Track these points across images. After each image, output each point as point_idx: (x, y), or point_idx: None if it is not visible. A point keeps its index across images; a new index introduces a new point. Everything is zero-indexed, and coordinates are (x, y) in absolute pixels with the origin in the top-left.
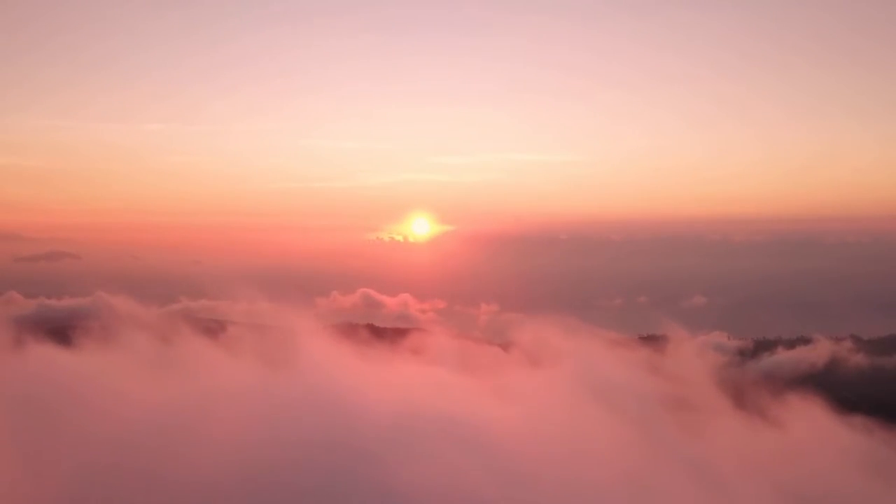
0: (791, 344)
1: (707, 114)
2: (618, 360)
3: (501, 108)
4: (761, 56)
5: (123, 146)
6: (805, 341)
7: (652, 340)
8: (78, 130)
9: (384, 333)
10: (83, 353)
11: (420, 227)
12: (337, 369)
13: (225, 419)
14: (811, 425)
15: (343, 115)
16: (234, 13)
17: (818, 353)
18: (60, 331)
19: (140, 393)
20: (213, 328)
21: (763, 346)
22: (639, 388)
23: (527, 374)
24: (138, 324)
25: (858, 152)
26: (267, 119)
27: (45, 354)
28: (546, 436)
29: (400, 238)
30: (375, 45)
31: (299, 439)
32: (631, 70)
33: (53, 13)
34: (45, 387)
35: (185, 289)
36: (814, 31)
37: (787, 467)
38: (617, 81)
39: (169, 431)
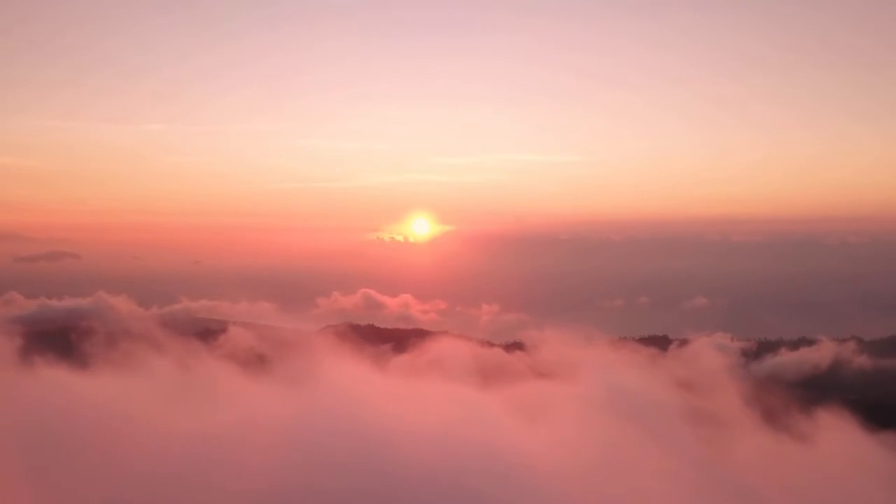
0: (795, 345)
1: (708, 114)
2: (638, 370)
3: (502, 109)
4: (762, 57)
5: (124, 146)
6: (809, 342)
7: (654, 341)
8: (78, 131)
9: (386, 334)
10: (97, 376)
11: (420, 228)
12: (361, 389)
13: (252, 446)
14: (839, 440)
15: (343, 115)
16: (235, 14)
17: (822, 354)
18: (61, 332)
19: (162, 420)
20: (214, 329)
21: (766, 348)
22: (662, 401)
23: (548, 387)
24: (158, 349)
25: (859, 153)
26: (267, 119)
27: (58, 377)
28: (575, 455)
29: (400, 238)
30: (375, 45)
31: (331, 465)
32: (631, 71)
33: (54, 13)
34: (62, 414)
35: (186, 289)
36: (814, 32)
37: (813, 483)
38: (617, 82)
39: (195, 461)
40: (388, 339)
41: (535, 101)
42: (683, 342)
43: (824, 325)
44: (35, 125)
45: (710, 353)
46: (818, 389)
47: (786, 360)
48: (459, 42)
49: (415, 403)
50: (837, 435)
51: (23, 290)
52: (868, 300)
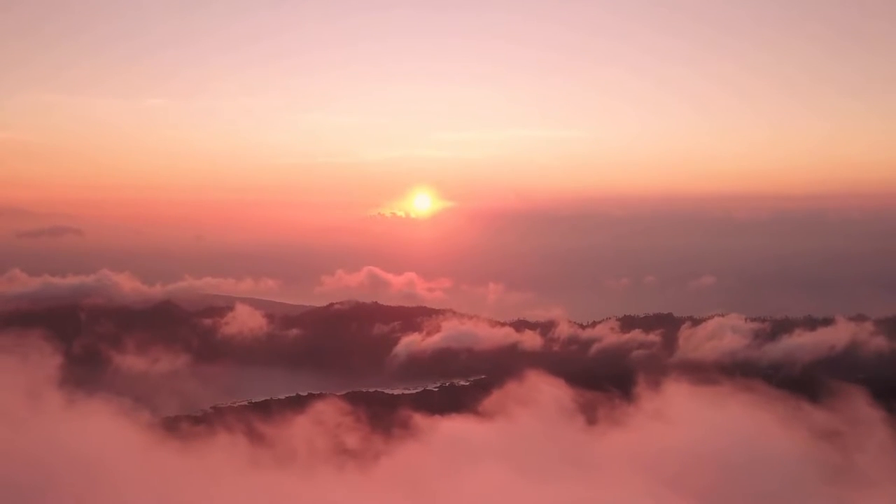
0: (811, 325)
1: (711, 91)
2: (762, 414)
3: (504, 84)
4: (766, 36)
5: (125, 122)
6: (825, 322)
7: (661, 320)
8: (80, 106)
9: (392, 312)
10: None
11: (422, 204)
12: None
13: None
14: None
15: (345, 90)
16: None
17: (838, 335)
18: (69, 310)
19: None
20: (220, 306)
21: (781, 328)
22: (793, 453)
23: (664, 437)
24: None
25: (862, 130)
26: (269, 95)
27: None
28: None
29: (402, 214)
30: (377, 21)
31: None
32: (635, 47)
33: None
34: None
35: (189, 266)
36: (819, 9)
37: None
38: (621, 58)
39: None
40: (394, 318)
41: (538, 77)
42: (697, 322)
43: (833, 303)
44: (37, 100)
45: (722, 333)
46: (835, 371)
47: (801, 341)
48: (462, 17)
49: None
50: None
51: (25, 266)
52: (874, 278)
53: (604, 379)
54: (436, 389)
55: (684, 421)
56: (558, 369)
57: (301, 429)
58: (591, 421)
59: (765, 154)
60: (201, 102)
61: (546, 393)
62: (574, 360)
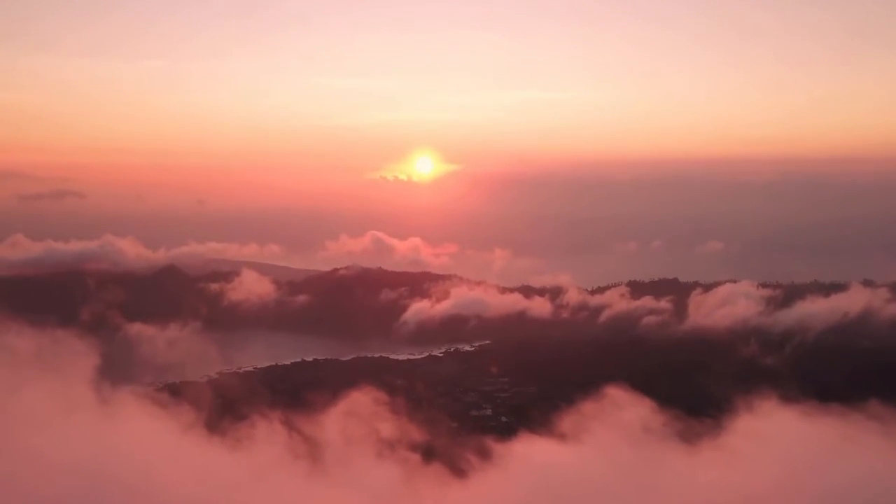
0: (825, 291)
1: (721, 54)
2: (866, 437)
3: (508, 44)
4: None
5: (125, 83)
6: (838, 288)
7: (671, 286)
8: (79, 68)
9: (398, 278)
10: None
11: (424, 167)
12: None
13: None
14: None
15: (346, 52)
16: None
17: (851, 301)
18: (75, 276)
19: None
20: (226, 271)
21: (794, 294)
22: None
23: (757, 463)
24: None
25: (867, 94)
26: (270, 57)
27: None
28: None
29: (404, 177)
30: None
31: None
32: (643, 6)
33: None
34: None
35: (192, 230)
36: None
37: None
38: (630, 17)
39: None
40: (400, 283)
41: (543, 36)
42: (707, 288)
43: (845, 269)
44: (35, 63)
45: (734, 300)
46: (848, 338)
47: (815, 308)
48: None
49: None
50: None
51: (28, 230)
52: (881, 242)
53: (688, 396)
54: (441, 355)
55: (785, 447)
56: (572, 338)
57: (336, 420)
58: (681, 444)
59: (774, 118)
60: (201, 64)
61: (628, 411)
62: (584, 328)
